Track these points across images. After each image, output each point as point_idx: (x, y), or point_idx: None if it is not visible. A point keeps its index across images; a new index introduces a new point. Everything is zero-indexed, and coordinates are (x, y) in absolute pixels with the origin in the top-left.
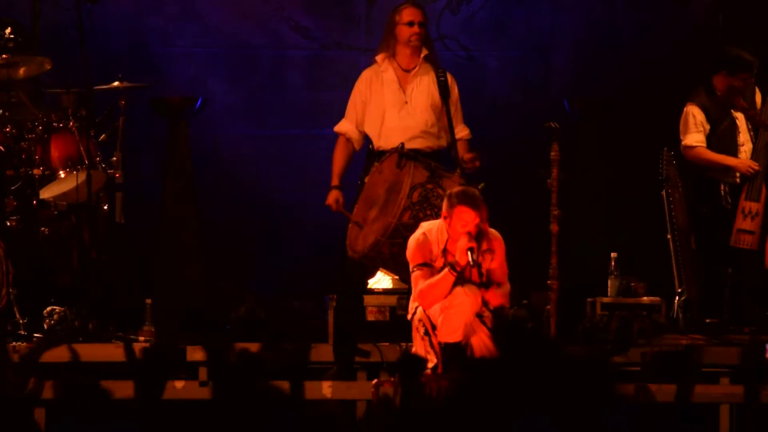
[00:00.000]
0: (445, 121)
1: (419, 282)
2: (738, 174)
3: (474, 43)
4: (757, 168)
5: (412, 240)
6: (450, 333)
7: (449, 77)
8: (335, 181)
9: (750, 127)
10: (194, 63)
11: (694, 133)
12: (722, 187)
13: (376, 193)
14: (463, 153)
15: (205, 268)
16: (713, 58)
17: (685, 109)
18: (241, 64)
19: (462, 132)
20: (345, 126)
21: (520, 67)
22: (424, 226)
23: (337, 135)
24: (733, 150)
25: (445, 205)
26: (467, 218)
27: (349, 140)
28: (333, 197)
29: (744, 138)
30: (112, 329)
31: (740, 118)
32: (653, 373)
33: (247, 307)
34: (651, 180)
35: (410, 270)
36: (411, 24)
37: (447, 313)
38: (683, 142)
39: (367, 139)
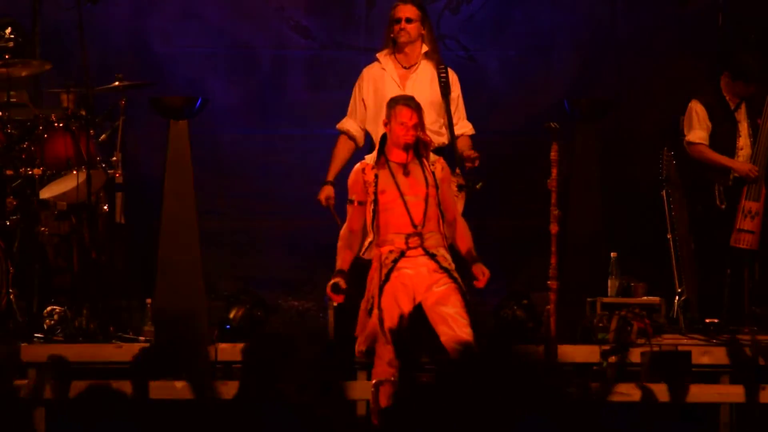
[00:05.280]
0: (446, 118)
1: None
2: (732, 177)
3: (474, 43)
4: (757, 173)
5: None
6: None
7: (451, 73)
8: (330, 177)
9: (750, 132)
10: (194, 63)
11: (697, 130)
12: (717, 187)
13: None
14: (464, 149)
15: (205, 269)
16: (719, 57)
17: (689, 104)
18: (241, 64)
19: (464, 128)
20: (347, 123)
21: (520, 67)
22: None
23: (339, 132)
24: (731, 153)
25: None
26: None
27: (351, 138)
28: (325, 193)
29: (743, 142)
30: (112, 329)
31: (742, 121)
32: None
33: (247, 307)
34: (651, 180)
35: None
36: (398, 21)
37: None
38: (686, 138)
39: (369, 137)
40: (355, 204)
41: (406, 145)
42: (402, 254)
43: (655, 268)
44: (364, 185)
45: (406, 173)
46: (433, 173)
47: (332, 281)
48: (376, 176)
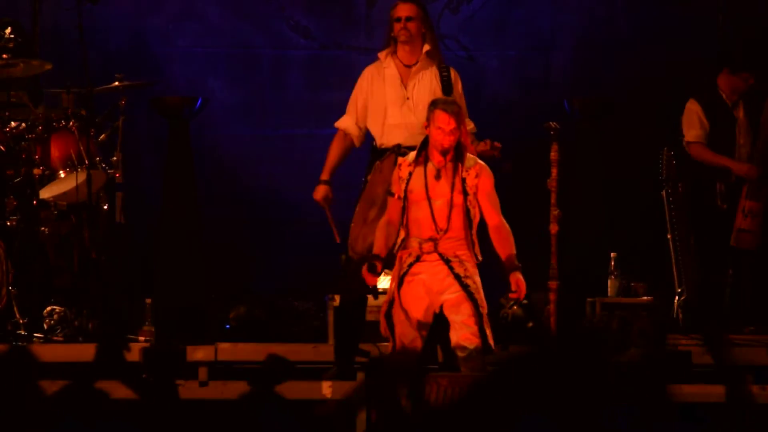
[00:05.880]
0: None
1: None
2: (733, 176)
3: (474, 43)
4: (755, 173)
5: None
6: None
7: (452, 72)
8: (325, 176)
9: (749, 130)
10: (194, 63)
11: (695, 129)
12: (718, 187)
13: (376, 193)
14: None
15: (205, 269)
16: (719, 55)
17: (687, 104)
18: (241, 64)
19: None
20: (345, 121)
21: (520, 67)
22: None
23: (336, 130)
24: (730, 151)
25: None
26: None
27: (347, 135)
28: (320, 193)
29: (743, 140)
30: (112, 329)
31: (741, 119)
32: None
33: (247, 307)
34: (651, 180)
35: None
36: (399, 20)
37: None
38: (685, 138)
39: (369, 137)
40: (395, 197)
41: (444, 150)
42: (418, 259)
43: (655, 268)
44: (398, 180)
45: (438, 177)
46: (464, 180)
47: (369, 262)
48: (410, 174)
